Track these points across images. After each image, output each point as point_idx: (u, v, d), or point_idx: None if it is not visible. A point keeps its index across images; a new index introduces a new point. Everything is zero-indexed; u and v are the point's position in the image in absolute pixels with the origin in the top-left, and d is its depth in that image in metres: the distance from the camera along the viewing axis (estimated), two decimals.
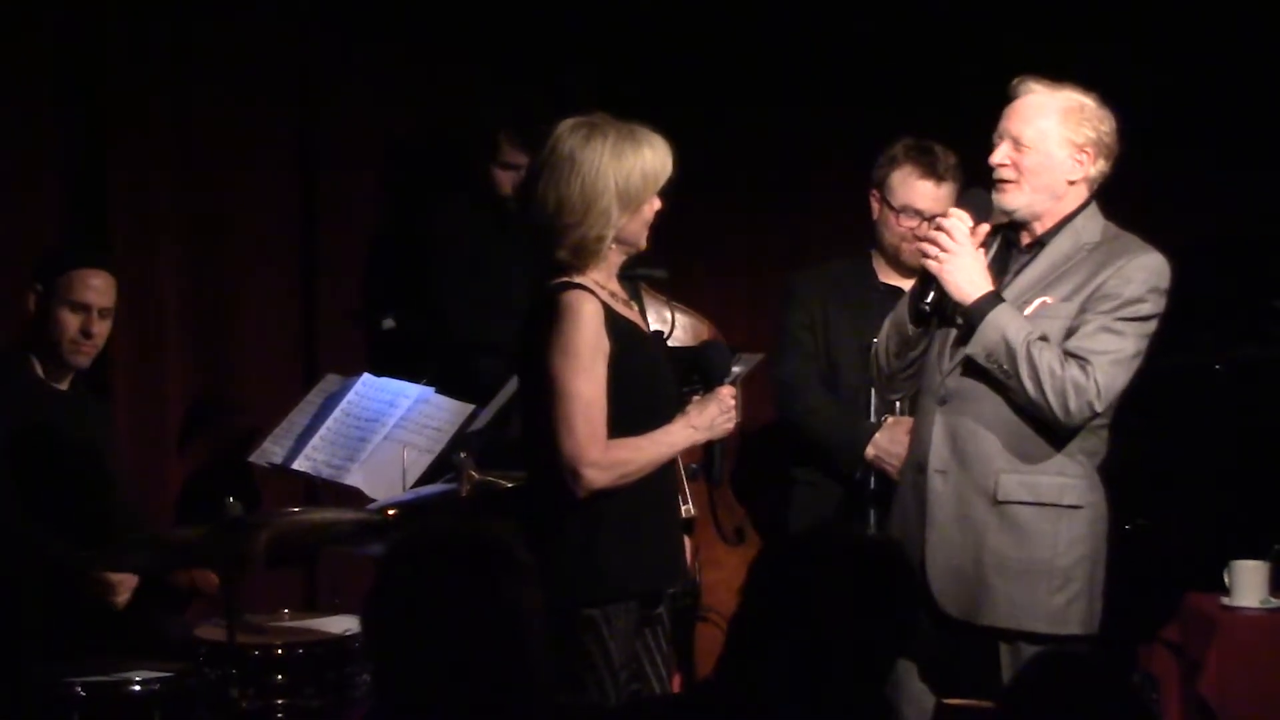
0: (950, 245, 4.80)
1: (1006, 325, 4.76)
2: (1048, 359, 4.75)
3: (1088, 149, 4.86)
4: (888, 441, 5.58)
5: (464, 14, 6.97)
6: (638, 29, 7.04)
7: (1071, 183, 4.89)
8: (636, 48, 7.02)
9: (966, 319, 4.80)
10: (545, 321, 4.56)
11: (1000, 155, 4.88)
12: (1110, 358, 4.78)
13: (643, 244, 4.68)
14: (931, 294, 4.89)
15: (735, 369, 4.89)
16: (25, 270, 5.72)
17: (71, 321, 5.58)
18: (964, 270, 4.80)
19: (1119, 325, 4.80)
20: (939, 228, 4.88)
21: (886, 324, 5.06)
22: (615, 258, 4.65)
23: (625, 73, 6.89)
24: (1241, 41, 6.87)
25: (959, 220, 4.85)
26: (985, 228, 4.90)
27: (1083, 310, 4.81)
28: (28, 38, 6.44)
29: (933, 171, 5.73)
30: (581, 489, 4.55)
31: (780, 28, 7.07)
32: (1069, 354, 4.77)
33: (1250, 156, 6.87)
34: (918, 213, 5.72)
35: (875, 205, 5.81)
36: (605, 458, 4.55)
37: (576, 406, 4.53)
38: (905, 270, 5.77)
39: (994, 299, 4.78)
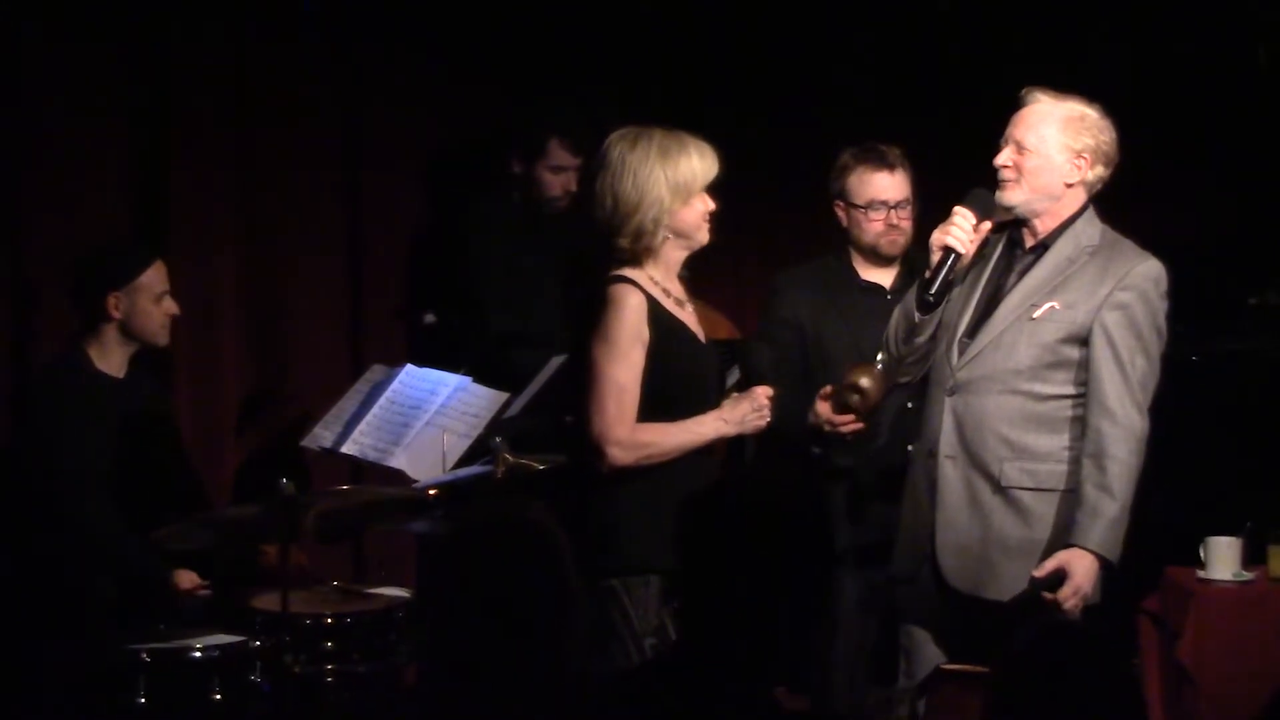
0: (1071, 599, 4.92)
1: (1106, 520, 4.93)
2: (1125, 468, 4.94)
3: (1085, 155, 5.03)
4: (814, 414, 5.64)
5: (498, 27, 7.05)
6: (658, 33, 7.18)
7: (1069, 185, 5.05)
8: (653, 50, 7.16)
9: (1107, 567, 4.96)
10: (593, 311, 4.86)
11: (1004, 157, 5.07)
12: (1144, 380, 5.00)
13: (701, 238, 4.96)
14: (937, 285, 5.06)
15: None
16: None
17: (156, 312, 5.88)
18: (1086, 566, 4.93)
19: (1146, 347, 5.02)
20: (949, 221, 5.06)
21: (896, 312, 5.24)
22: (675, 254, 4.95)
23: (642, 76, 7.03)
24: (1216, 38, 6.95)
25: (964, 217, 5.06)
26: (988, 225, 5.10)
27: (1100, 321, 4.99)
28: (93, 48, 6.57)
29: (884, 163, 5.83)
30: (606, 465, 4.81)
31: (788, 29, 7.20)
32: (1118, 383, 4.96)
33: (1230, 154, 6.96)
34: (883, 204, 5.83)
35: (841, 214, 5.90)
36: (631, 438, 4.81)
37: (609, 389, 4.80)
38: (885, 262, 5.92)
39: (1079, 552, 4.92)
